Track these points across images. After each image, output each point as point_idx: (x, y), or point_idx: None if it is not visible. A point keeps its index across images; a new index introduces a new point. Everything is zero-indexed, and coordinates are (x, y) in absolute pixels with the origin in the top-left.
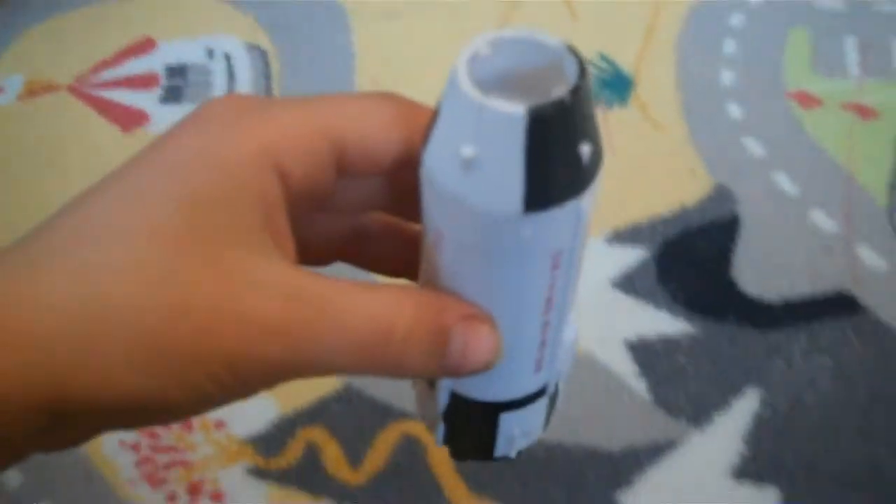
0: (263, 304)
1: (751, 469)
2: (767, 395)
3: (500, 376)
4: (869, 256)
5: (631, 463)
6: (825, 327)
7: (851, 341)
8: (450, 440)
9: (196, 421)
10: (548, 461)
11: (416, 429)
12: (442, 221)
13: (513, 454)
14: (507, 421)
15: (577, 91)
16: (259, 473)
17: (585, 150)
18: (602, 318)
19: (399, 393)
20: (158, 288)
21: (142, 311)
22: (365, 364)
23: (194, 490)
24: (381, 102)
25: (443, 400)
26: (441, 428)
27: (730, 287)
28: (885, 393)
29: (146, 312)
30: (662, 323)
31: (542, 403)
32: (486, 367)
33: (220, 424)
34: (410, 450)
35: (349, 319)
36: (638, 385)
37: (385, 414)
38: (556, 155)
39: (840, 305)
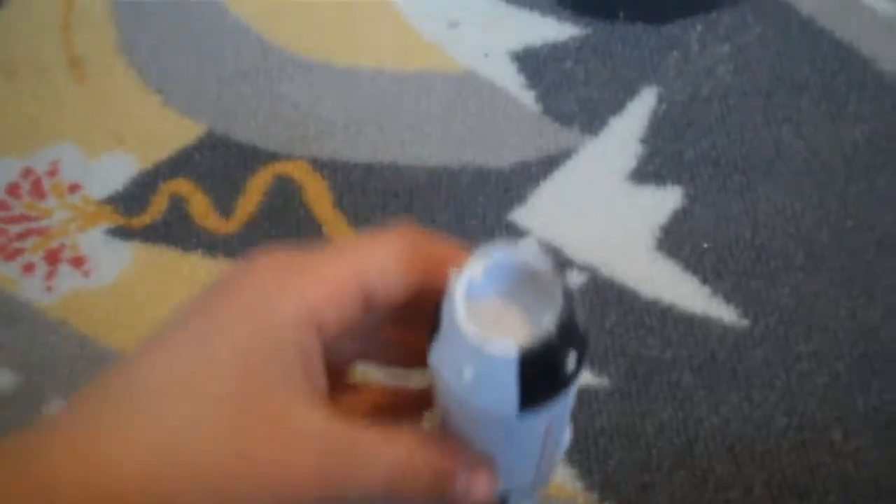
0: (305, 455)
1: (650, 170)
2: (664, 92)
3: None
4: None
5: (523, 179)
6: (723, 14)
7: (751, 25)
8: None
9: (48, 185)
10: (432, 186)
11: (289, 168)
12: (448, 401)
13: None
14: None
15: (563, 322)
16: (122, 233)
17: (571, 361)
18: (484, 32)
19: (266, 134)
20: (224, 442)
21: (211, 461)
22: (384, 496)
23: (52, 257)
24: (400, 243)
25: None
26: None
27: None
28: (787, 76)
29: (214, 462)
30: (549, 29)
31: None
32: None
33: (74, 187)
34: (284, 190)
35: (372, 465)
36: (526, 96)
37: (254, 157)
38: (545, 377)
39: None
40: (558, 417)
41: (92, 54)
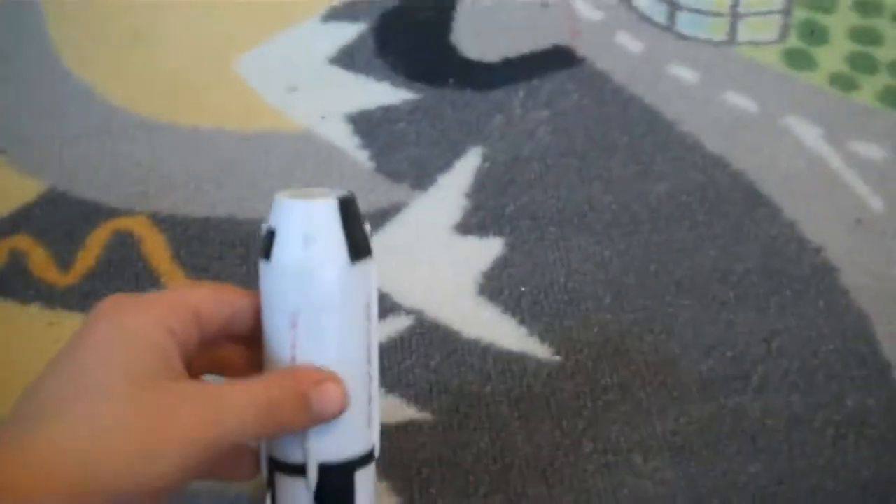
0: (190, 408)
1: (474, 222)
2: (489, 152)
3: (345, 430)
4: (585, 8)
5: None
6: (544, 81)
7: (569, 92)
8: None
9: None
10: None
11: (129, 223)
12: (297, 299)
13: None
14: (360, 480)
15: (352, 194)
16: None
17: (367, 226)
18: (321, 96)
19: (108, 191)
20: (130, 419)
21: (122, 435)
22: (259, 428)
23: None
24: (217, 290)
25: (312, 477)
26: None
27: (450, 52)
28: (600, 138)
29: (125, 437)
30: (383, 94)
31: (373, 469)
32: (341, 410)
33: None
34: (124, 244)
35: (242, 406)
36: (360, 155)
37: (94, 213)
38: (357, 224)
39: (558, 59)
40: (373, 306)
41: None
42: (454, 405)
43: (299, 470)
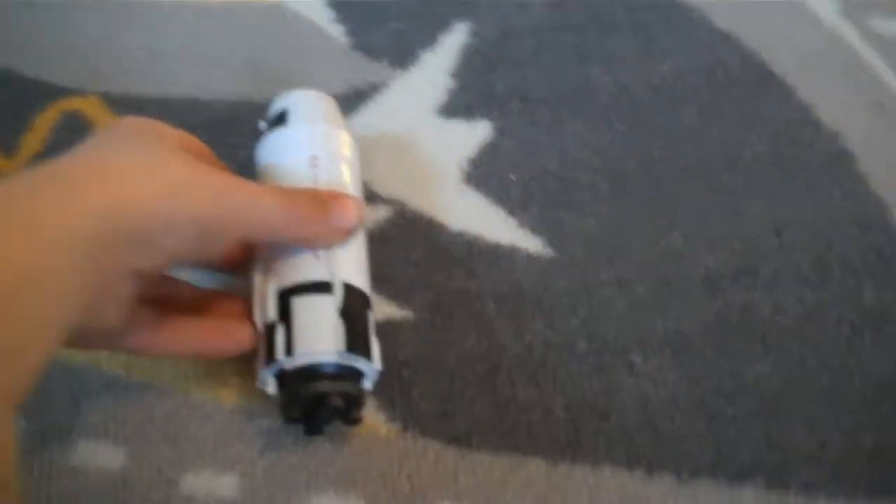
0: (232, 194)
1: (460, 104)
2: (477, 26)
3: (358, 260)
4: None
5: None
6: None
7: None
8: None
9: None
10: (233, 120)
11: (79, 103)
12: (317, 147)
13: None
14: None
15: None
16: None
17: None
18: None
19: (57, 70)
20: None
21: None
22: (284, 222)
23: None
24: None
25: (339, 292)
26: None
27: None
28: (600, 13)
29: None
30: None
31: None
32: (357, 223)
33: None
34: (74, 127)
35: (266, 200)
36: (334, 30)
37: (42, 94)
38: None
39: None
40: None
41: None
42: (437, 302)
43: (323, 288)
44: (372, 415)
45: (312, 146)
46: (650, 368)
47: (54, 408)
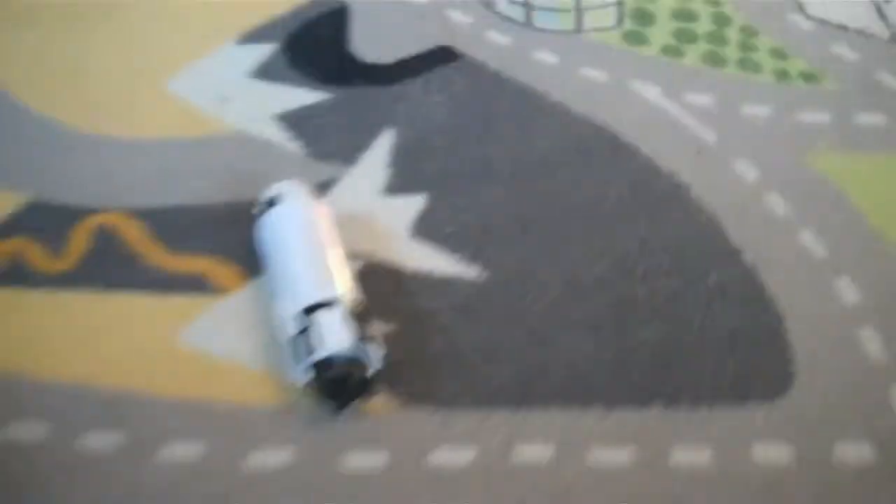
0: None
1: (399, 184)
2: (400, 132)
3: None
4: (455, 15)
5: None
6: (434, 74)
7: (456, 80)
8: None
9: None
10: (228, 218)
11: (109, 218)
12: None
13: None
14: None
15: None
16: None
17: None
18: (249, 104)
19: (88, 193)
20: None
21: None
22: None
23: None
24: None
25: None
26: None
27: (351, 59)
28: (488, 111)
29: None
30: (302, 96)
31: None
32: None
33: None
34: (106, 235)
35: None
36: (292, 146)
37: (78, 213)
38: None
39: (442, 56)
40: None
41: None
42: (407, 318)
43: (330, 303)
44: (380, 395)
45: (307, 212)
46: (570, 341)
47: None
